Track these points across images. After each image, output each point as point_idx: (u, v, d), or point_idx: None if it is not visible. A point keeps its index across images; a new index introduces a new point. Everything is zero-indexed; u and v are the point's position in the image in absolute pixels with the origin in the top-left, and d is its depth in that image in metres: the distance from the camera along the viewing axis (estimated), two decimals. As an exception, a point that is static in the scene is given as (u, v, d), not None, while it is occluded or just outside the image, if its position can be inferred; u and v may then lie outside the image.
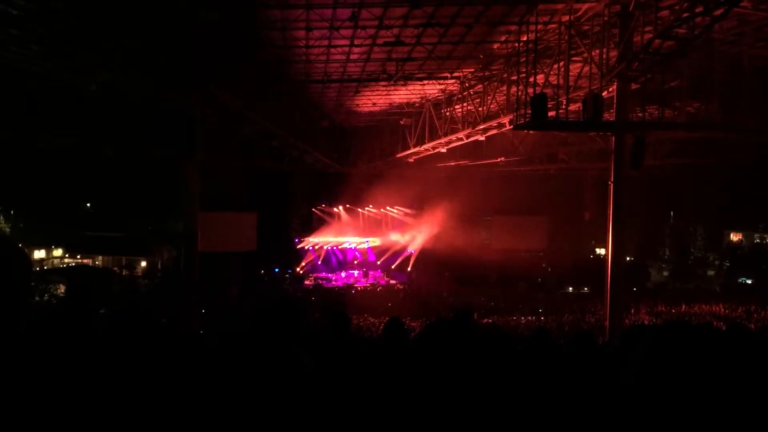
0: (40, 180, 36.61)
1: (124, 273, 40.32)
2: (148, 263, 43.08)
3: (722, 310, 30.83)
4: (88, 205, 44.80)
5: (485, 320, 29.37)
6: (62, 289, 33.84)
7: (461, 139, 27.67)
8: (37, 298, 32.28)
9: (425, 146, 30.35)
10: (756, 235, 47.38)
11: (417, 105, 30.17)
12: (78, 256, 44.57)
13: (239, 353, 2.89)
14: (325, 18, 17.94)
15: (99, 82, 24.35)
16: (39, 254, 43.32)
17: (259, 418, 2.59)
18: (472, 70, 24.32)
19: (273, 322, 3.43)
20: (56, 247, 44.59)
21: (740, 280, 43.12)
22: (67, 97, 26.41)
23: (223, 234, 34.86)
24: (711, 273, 45.67)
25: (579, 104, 18.90)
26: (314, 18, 17.96)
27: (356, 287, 40.22)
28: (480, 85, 25.17)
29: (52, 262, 44.16)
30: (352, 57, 21.92)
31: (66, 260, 44.64)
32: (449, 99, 27.84)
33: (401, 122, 32.18)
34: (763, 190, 36.43)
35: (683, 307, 31.83)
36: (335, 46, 20.60)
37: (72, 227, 42.34)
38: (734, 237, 48.73)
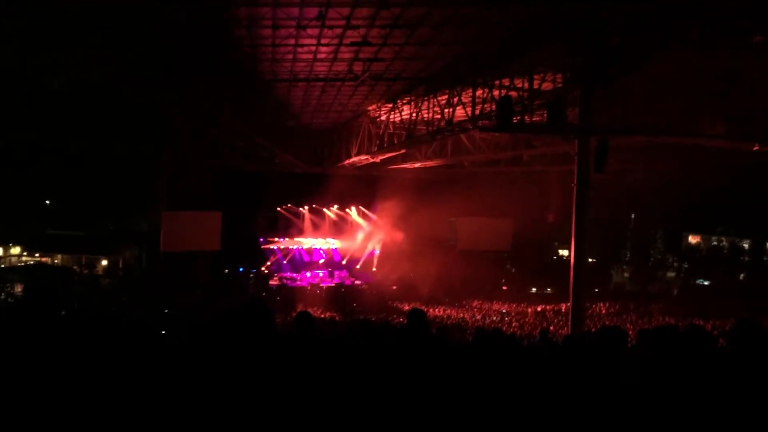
0: (-3, 176, 35.71)
1: (84, 272, 39.59)
2: (109, 262, 42.37)
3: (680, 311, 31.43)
4: (48, 202, 43.79)
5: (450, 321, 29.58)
6: (19, 288, 33.18)
7: (426, 140, 27.73)
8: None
9: (391, 147, 30.38)
10: (714, 238, 48.38)
11: (383, 106, 30.13)
12: (36, 255, 43.67)
13: (212, 355, 2.85)
14: (291, 16, 17.82)
15: (63, 79, 23.90)
16: (-5, 252, 42.43)
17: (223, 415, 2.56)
18: (438, 71, 24.32)
19: (243, 325, 3.40)
20: (14, 245, 43.62)
21: (698, 281, 44.09)
22: (30, 92, 25.82)
23: (186, 233, 34.36)
24: (671, 275, 46.49)
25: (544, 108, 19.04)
26: (281, 16, 17.84)
27: (321, 287, 40.11)
28: (446, 87, 25.19)
29: (9, 260, 43.21)
30: (319, 56, 21.82)
31: (24, 258, 43.70)
32: (415, 100, 27.83)
33: (368, 123, 32.12)
34: (721, 194, 37.21)
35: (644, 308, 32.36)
36: (302, 45, 20.48)
37: (31, 225, 41.41)
38: (693, 239, 49.68)
